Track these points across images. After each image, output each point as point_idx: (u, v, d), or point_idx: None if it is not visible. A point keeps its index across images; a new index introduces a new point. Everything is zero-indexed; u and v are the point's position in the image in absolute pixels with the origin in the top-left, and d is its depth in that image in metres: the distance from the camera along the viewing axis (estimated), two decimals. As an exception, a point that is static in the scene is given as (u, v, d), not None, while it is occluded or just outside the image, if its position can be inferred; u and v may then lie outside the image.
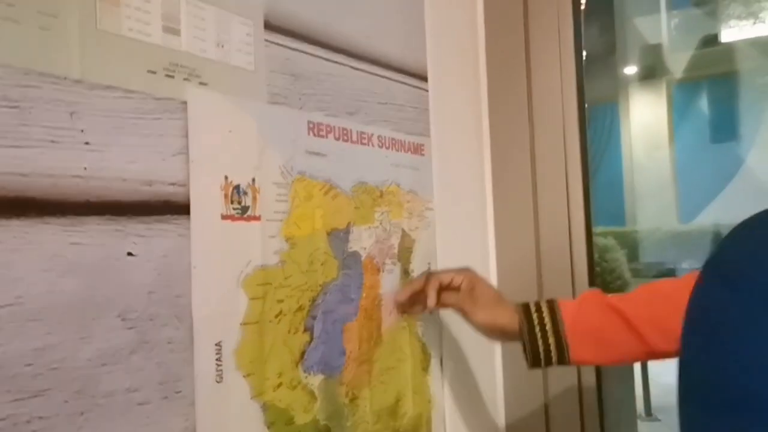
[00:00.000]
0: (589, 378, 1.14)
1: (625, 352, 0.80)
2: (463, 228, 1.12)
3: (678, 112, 4.70)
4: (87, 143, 0.56)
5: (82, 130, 0.55)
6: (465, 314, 0.87)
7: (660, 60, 4.61)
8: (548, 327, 0.82)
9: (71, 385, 0.53)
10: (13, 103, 0.50)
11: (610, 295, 0.83)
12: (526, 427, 1.15)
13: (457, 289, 0.87)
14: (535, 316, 0.84)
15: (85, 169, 0.55)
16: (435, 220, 1.04)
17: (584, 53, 1.22)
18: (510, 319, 0.85)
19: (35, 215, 0.51)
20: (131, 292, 0.58)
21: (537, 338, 0.82)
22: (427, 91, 1.05)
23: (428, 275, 0.90)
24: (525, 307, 0.85)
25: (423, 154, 1.03)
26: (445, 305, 0.89)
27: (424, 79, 1.05)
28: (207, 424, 0.64)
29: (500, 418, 1.15)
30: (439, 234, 1.05)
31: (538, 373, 1.13)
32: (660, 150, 4.63)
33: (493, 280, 1.17)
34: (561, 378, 1.13)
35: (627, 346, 0.78)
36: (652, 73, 4.60)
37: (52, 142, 0.53)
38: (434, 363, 1.01)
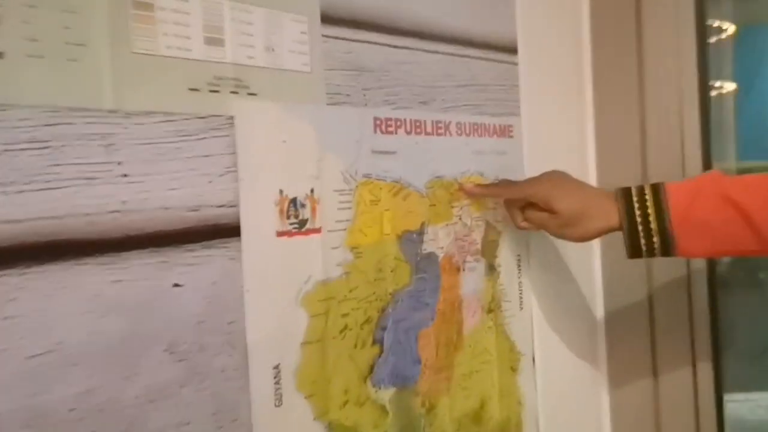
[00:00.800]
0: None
1: (740, 248, 0.74)
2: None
3: None
4: (125, 175, 0.53)
5: (120, 163, 0.53)
6: (554, 236, 0.83)
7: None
8: (651, 214, 0.75)
9: (118, 426, 0.53)
10: (43, 144, 0.49)
11: (730, 180, 0.74)
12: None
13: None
14: (636, 202, 0.76)
15: (124, 202, 0.53)
16: (526, 207, 0.95)
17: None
18: (607, 220, 0.77)
19: (72, 257, 0.50)
20: (179, 323, 0.57)
21: (638, 228, 0.75)
22: (516, 64, 0.95)
23: (503, 186, 0.86)
24: (625, 193, 0.77)
25: (511, 136, 0.94)
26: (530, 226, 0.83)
27: (513, 51, 0.95)
28: (267, 449, 0.63)
29: (604, 417, 1.07)
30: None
31: (647, 375, 1.04)
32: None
33: (597, 265, 1.07)
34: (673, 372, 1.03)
35: (744, 243, 0.72)
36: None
37: (87, 178, 0.51)
38: (525, 362, 0.94)
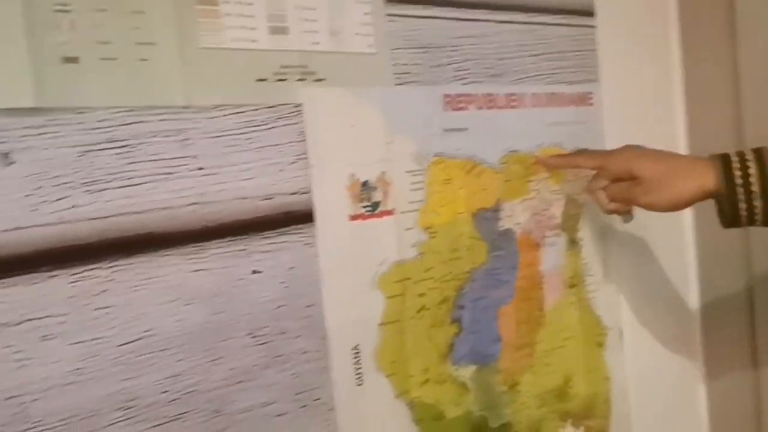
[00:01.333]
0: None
1: None
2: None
3: None
4: (200, 168, 0.55)
5: (194, 156, 0.55)
6: (643, 206, 0.74)
7: None
8: (754, 175, 0.67)
9: (207, 405, 0.55)
10: (121, 143, 0.51)
11: None
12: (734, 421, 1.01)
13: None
14: (736, 162, 0.68)
15: (201, 194, 0.55)
16: (608, 177, 0.91)
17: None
18: (701, 181, 0.69)
19: (155, 250, 0.53)
20: (259, 308, 0.59)
21: (737, 190, 0.68)
22: (593, 27, 0.90)
23: (581, 154, 0.80)
24: (723, 156, 0.70)
25: (590, 104, 0.90)
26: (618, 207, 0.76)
27: (590, 14, 0.90)
28: (350, 427, 0.64)
29: (701, 399, 1.03)
30: (614, 192, 0.92)
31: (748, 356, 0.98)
32: None
33: (690, 239, 1.02)
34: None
35: None
36: None
37: (165, 174, 0.53)
38: (612, 337, 0.91)
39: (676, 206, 0.71)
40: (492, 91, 0.78)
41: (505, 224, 0.78)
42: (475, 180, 0.75)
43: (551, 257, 0.83)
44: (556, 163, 0.82)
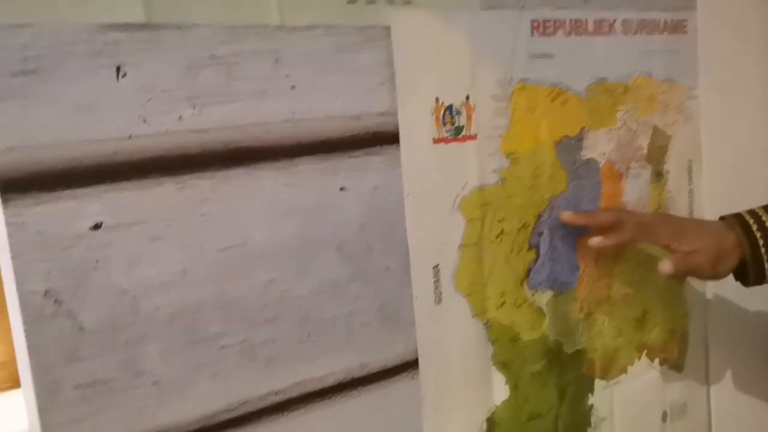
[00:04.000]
0: None
1: None
2: (738, 116, 0.93)
3: None
4: (293, 87, 0.58)
5: (287, 75, 0.57)
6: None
7: None
8: None
9: (297, 312, 0.59)
10: (220, 61, 0.54)
11: None
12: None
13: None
14: (754, 224, 0.72)
15: (294, 112, 0.58)
16: (699, 110, 0.88)
17: None
18: (737, 256, 0.72)
19: (251, 163, 0.56)
20: (346, 225, 0.61)
21: (761, 252, 0.71)
22: (692, -49, 0.86)
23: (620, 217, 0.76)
24: (740, 220, 0.73)
25: (685, 32, 0.86)
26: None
27: (689, -66, 0.86)
28: (428, 342, 0.67)
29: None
30: (705, 126, 0.89)
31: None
32: None
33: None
34: None
35: None
36: None
37: (260, 91, 0.56)
38: (694, 273, 0.90)
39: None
40: (581, 17, 0.76)
41: (588, 153, 0.78)
42: (559, 108, 0.75)
43: (635, 189, 0.82)
44: (579, 221, 0.76)
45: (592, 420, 0.82)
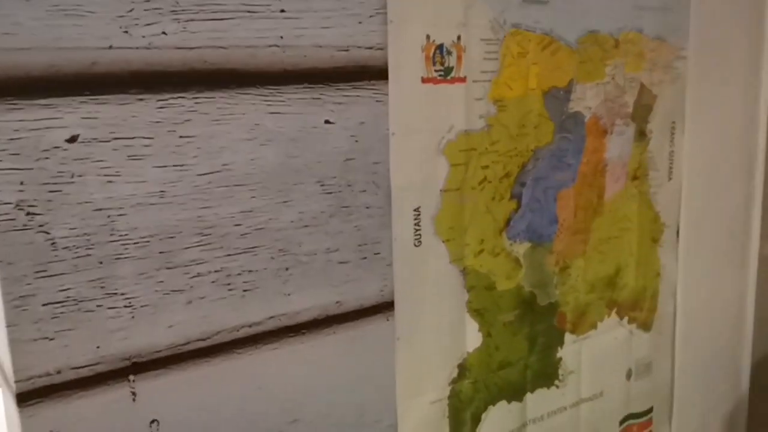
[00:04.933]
0: None
1: None
2: (725, 80, 0.94)
3: None
4: (282, 11, 0.56)
5: (277, -2, 0.55)
6: None
7: None
8: None
9: (276, 244, 0.58)
10: (209, -24, 0.51)
11: None
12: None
13: None
14: None
15: (282, 38, 0.56)
16: (687, 70, 0.88)
17: None
18: None
19: (236, 86, 0.54)
20: (329, 159, 0.60)
21: None
22: None
23: None
24: None
25: (678, -9, 0.86)
26: None
27: None
28: (405, 284, 0.67)
29: (749, 297, 1.03)
30: (691, 88, 0.89)
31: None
32: None
33: (762, 140, 0.98)
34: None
35: None
36: None
37: (249, 12, 0.54)
38: (668, 234, 0.91)
39: None
40: (578, -35, 0.74)
41: (575, 106, 0.77)
42: (550, 57, 0.74)
43: (618, 146, 0.82)
44: None
45: (560, 372, 0.83)
